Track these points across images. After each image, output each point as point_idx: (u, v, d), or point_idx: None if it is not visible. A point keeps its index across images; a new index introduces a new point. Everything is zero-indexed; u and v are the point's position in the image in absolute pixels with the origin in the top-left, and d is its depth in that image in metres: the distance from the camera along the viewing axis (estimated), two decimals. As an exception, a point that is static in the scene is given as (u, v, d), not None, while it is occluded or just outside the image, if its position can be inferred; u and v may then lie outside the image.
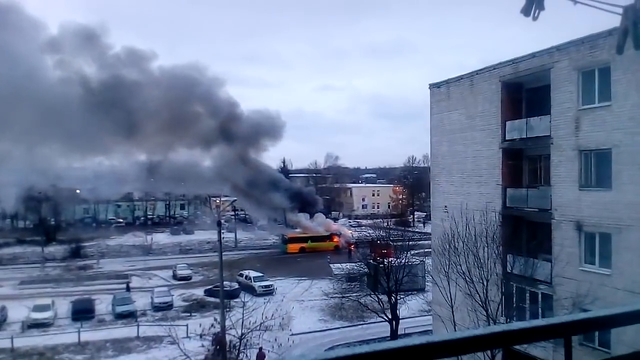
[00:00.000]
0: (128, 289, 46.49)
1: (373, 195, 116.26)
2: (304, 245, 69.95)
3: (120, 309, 39.24)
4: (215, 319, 23.57)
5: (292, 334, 31.29)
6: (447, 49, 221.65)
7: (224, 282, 28.56)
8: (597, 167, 18.64)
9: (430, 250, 29.39)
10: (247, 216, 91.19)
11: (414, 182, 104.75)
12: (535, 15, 3.40)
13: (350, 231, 77.48)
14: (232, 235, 73.37)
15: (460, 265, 21.19)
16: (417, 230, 78.43)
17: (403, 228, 64.10)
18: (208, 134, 70.03)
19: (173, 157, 71.23)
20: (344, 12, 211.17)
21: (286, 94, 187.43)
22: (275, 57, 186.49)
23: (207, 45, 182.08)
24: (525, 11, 3.42)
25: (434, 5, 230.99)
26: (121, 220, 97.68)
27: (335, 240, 72.42)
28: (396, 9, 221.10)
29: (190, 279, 52.51)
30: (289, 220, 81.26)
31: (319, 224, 79.03)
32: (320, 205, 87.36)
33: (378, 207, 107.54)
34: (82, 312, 38.36)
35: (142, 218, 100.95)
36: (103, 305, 41.26)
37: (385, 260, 33.27)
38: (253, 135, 74.38)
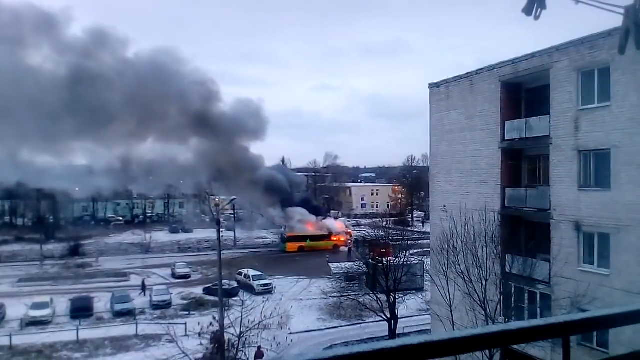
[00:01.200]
0: (144, 287, 46.46)
1: (372, 194, 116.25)
2: (302, 244, 69.95)
3: (118, 307, 39.23)
4: (214, 318, 23.62)
5: (291, 333, 31.29)
6: (444, 49, 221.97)
7: (223, 281, 28.57)
8: (596, 168, 18.66)
9: (429, 249, 29.41)
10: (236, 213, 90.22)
11: (413, 182, 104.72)
12: (537, 14, 3.40)
13: (341, 225, 77.28)
14: (231, 233, 73.36)
15: (459, 265, 21.20)
16: (416, 229, 78.45)
17: (402, 227, 64.12)
18: (183, 124, 65.99)
19: (147, 151, 68.06)
20: (341, 12, 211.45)
21: (284, 93, 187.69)
22: (272, 57, 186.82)
23: (205, 44, 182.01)
24: (527, 10, 3.41)
25: (432, 5, 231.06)
26: (120, 219, 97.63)
27: (333, 239, 72.41)
28: (393, 8, 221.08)
29: (189, 277, 52.51)
30: (269, 217, 79.93)
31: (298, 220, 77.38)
32: (298, 197, 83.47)
33: (377, 207, 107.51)
34: (81, 310, 38.35)
35: (141, 216, 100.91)
36: (102, 303, 41.26)
37: (384, 260, 33.28)
38: (234, 126, 70.35)
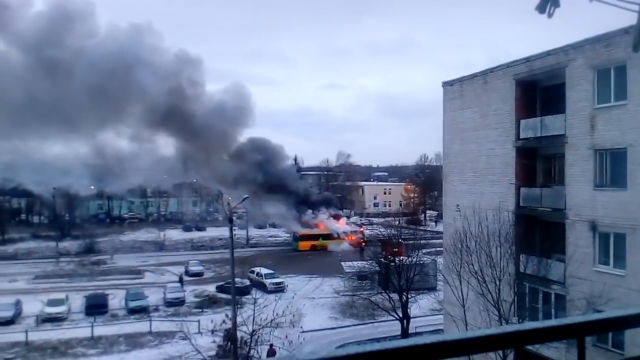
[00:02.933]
0: (181, 281, 47.65)
1: (385, 193, 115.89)
2: (315, 242, 70.01)
3: (133, 304, 39.61)
4: (227, 315, 23.64)
5: (303, 331, 31.33)
6: (453, 47, 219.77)
7: (236, 279, 28.69)
8: (612, 167, 18.43)
9: (441, 249, 29.27)
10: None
11: (426, 181, 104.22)
12: (551, 12, 3.36)
13: (342, 224, 76.51)
14: (243, 232, 73.64)
15: (473, 265, 21.07)
16: (428, 229, 78.14)
17: (414, 227, 63.90)
18: (154, 114, 60.59)
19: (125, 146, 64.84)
20: (348, 11, 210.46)
21: (292, 92, 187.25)
22: (280, 56, 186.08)
23: (213, 43, 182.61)
24: (541, 8, 3.37)
25: (440, 3, 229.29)
26: (135, 217, 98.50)
27: (347, 238, 72.27)
28: (401, 6, 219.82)
29: (202, 275, 52.83)
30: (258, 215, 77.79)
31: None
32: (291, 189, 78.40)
33: (390, 206, 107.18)
34: (96, 307, 38.82)
35: (155, 214, 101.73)
36: (116, 300, 41.69)
37: (396, 259, 33.20)
38: (217, 119, 64.50)
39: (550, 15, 3.37)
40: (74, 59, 54.75)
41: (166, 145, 69.37)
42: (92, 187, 74.01)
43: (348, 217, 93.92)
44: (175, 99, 61.76)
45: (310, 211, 79.07)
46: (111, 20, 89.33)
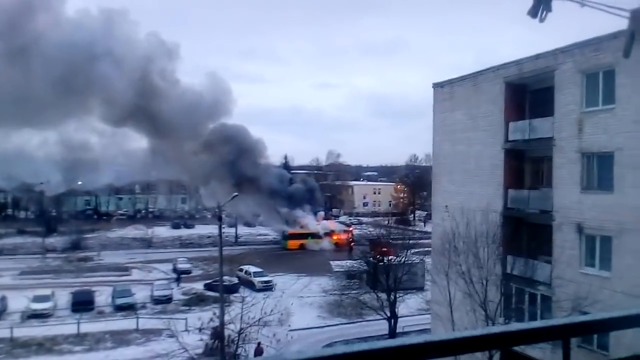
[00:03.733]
0: (179, 278, 48.08)
1: (374, 193, 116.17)
2: (304, 241, 69.98)
3: (119, 301, 39.34)
4: (215, 313, 23.65)
5: (291, 330, 31.33)
6: (445, 49, 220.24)
7: (224, 277, 28.61)
8: (599, 170, 18.62)
9: (430, 249, 29.39)
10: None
11: (415, 181, 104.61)
12: (543, 16, 3.39)
13: (322, 223, 76.08)
14: (232, 230, 73.40)
15: (460, 265, 21.20)
16: (417, 229, 78.42)
17: (403, 227, 64.13)
18: (118, 110, 56.62)
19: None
20: (342, 10, 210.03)
21: (284, 90, 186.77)
22: (272, 54, 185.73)
23: (206, 40, 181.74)
24: (533, 12, 3.40)
25: (433, 5, 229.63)
26: (122, 213, 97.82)
27: (335, 237, 72.23)
28: (394, 7, 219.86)
29: (190, 272, 52.60)
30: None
31: None
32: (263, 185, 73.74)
33: (379, 205, 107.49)
34: (82, 304, 38.49)
35: (143, 211, 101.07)
36: (103, 297, 41.35)
37: (385, 259, 33.30)
38: (190, 113, 60.18)
39: (542, 20, 3.39)
40: (34, 49, 51.52)
41: (137, 140, 66.19)
42: (79, 183, 73.27)
43: (337, 217, 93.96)
44: (142, 93, 58.05)
45: (286, 209, 78.10)
46: (85, 7, 77.61)
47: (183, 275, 50.89)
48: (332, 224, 77.84)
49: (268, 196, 72.36)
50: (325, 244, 69.70)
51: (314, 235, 71.25)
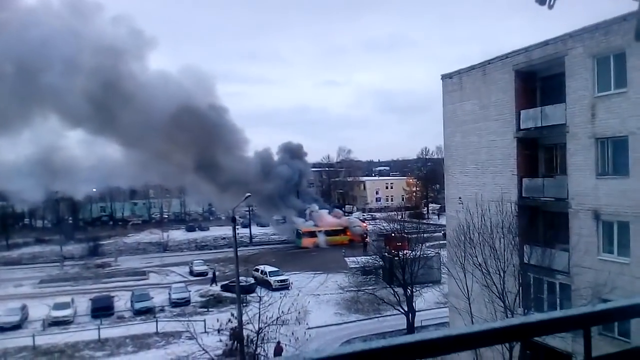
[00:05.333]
0: (214, 278, 48.40)
1: (387, 188, 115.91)
2: (318, 239, 70.01)
3: (138, 305, 39.71)
4: (232, 314, 23.71)
5: (309, 328, 31.39)
6: (449, 41, 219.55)
7: (240, 278, 28.74)
8: (613, 155, 18.38)
9: (445, 242, 29.26)
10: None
11: (427, 174, 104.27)
12: (551, 3, 3.34)
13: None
14: (246, 230, 73.69)
15: (476, 257, 21.06)
16: (431, 222, 78.15)
17: (417, 220, 63.93)
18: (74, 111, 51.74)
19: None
20: (343, 8, 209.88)
21: (288, 90, 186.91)
22: (274, 54, 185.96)
23: (209, 43, 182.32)
24: (541, 0, 3.35)
25: None
26: (138, 219, 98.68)
27: (349, 233, 72.18)
28: (394, 3, 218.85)
29: (207, 274, 52.92)
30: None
31: None
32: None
33: (392, 200, 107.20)
34: (102, 309, 38.89)
35: (158, 215, 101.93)
36: (122, 302, 41.79)
37: (400, 253, 33.22)
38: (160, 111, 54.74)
39: (550, 7, 3.34)
40: None
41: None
42: (94, 190, 73.61)
43: (350, 213, 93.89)
44: (105, 94, 53.31)
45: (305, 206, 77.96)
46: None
47: (199, 277, 51.32)
48: (344, 220, 77.93)
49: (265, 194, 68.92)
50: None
51: (328, 232, 71.21)
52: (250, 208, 79.63)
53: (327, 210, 79.53)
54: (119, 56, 56.09)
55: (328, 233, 71.22)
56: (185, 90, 60.45)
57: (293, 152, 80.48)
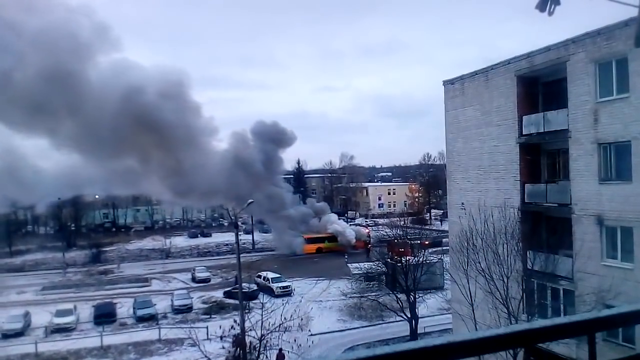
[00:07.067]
0: (237, 280, 47.62)
1: (389, 193, 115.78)
2: (320, 245, 69.89)
3: (141, 312, 39.66)
4: (235, 321, 23.66)
5: (312, 335, 31.25)
6: (447, 46, 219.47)
7: (243, 284, 28.70)
8: (616, 160, 18.36)
9: (448, 248, 29.19)
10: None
11: (430, 180, 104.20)
12: (551, 10, 3.35)
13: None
14: (249, 237, 73.65)
15: (480, 263, 21.00)
16: (434, 228, 77.99)
17: (420, 226, 63.78)
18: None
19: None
20: (340, 13, 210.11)
21: (286, 96, 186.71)
22: (271, 59, 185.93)
23: (206, 48, 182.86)
24: (541, 6, 3.36)
25: (428, 3, 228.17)
26: (141, 225, 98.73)
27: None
28: (392, 6, 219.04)
29: (209, 281, 52.88)
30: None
31: None
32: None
33: (394, 206, 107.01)
34: (104, 316, 38.87)
35: (161, 222, 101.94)
36: (124, 309, 41.75)
37: (403, 259, 33.12)
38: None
39: (550, 13, 3.36)
40: None
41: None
42: (97, 196, 73.65)
43: (353, 219, 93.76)
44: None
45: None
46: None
47: (202, 284, 51.20)
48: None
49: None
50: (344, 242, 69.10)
51: (331, 239, 71.02)
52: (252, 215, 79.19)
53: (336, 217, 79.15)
54: (70, 52, 49.92)
55: (330, 239, 70.84)
56: (137, 85, 54.07)
57: (267, 135, 70.94)
